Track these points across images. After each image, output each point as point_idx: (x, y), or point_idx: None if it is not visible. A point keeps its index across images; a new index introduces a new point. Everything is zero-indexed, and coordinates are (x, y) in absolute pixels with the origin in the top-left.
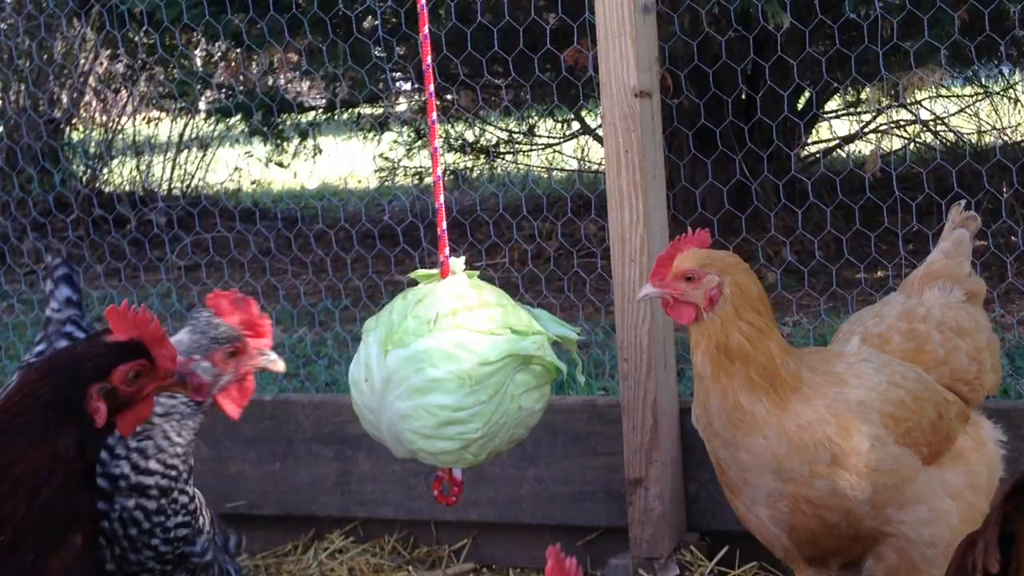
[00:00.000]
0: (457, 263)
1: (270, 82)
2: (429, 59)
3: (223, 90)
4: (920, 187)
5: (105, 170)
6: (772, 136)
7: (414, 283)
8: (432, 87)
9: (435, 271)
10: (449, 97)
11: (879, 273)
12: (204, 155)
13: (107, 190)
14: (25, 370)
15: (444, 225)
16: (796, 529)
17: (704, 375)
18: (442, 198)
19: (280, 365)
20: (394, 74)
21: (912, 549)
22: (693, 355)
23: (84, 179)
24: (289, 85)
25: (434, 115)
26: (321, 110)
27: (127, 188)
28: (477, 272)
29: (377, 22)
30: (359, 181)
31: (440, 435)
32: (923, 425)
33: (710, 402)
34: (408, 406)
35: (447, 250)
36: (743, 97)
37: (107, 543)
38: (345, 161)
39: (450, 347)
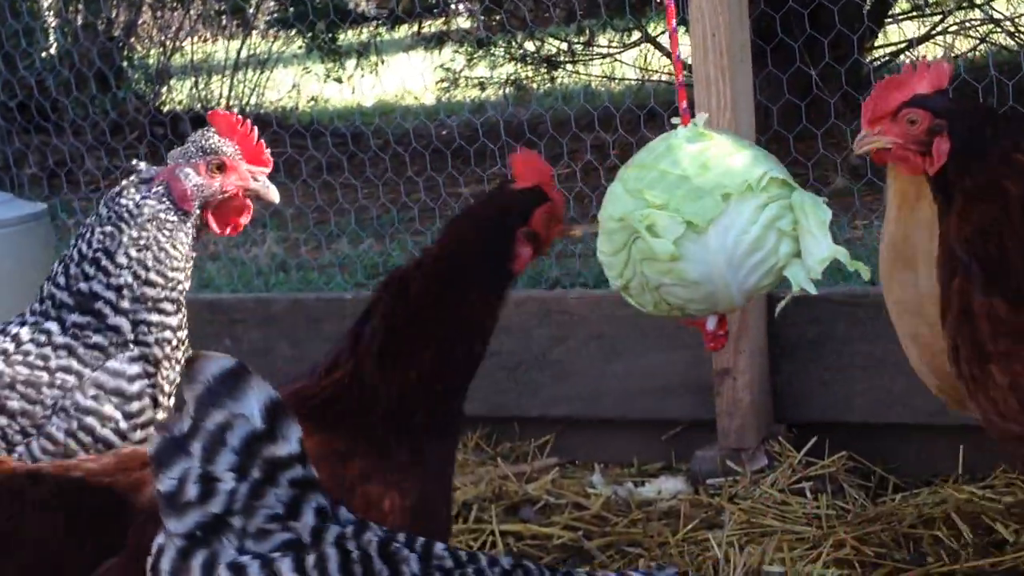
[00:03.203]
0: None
1: None
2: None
3: (284, 0)
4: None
5: (164, 89)
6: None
7: None
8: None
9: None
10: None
11: None
12: (262, 72)
13: (166, 108)
14: (451, 221)
15: (681, 77)
16: (938, 372)
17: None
18: (679, 50)
19: (273, 194)
20: None
21: None
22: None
23: (147, 95)
24: None
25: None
26: (380, 22)
27: (187, 106)
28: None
29: None
30: (416, 98)
31: None
32: None
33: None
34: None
35: (685, 103)
36: None
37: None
38: (405, 77)
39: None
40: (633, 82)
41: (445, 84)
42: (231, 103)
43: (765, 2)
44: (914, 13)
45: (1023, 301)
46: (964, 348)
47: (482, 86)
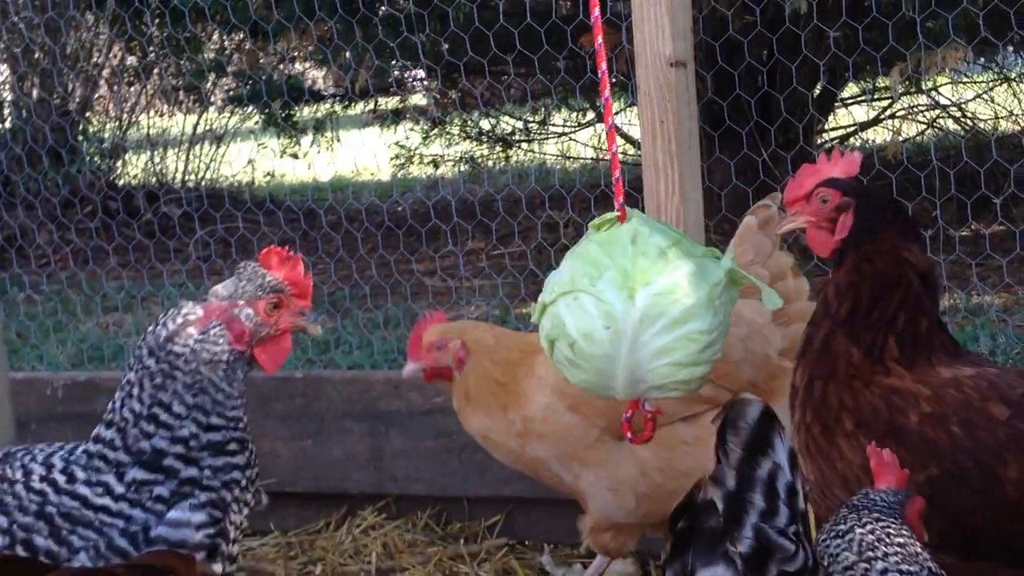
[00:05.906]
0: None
1: (286, 70)
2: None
3: (240, 78)
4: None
5: (119, 163)
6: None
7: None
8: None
9: (614, 214)
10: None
11: None
12: (218, 147)
13: (120, 183)
14: None
15: (618, 173)
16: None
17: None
18: (615, 146)
19: (318, 329)
20: (408, 63)
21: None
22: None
23: (101, 170)
24: (304, 73)
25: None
26: (336, 99)
27: (142, 181)
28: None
29: (392, 9)
30: (372, 174)
31: (700, 360)
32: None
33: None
34: (670, 339)
35: (622, 197)
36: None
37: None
38: (360, 154)
39: (688, 277)
40: (588, 161)
41: (400, 161)
42: (186, 177)
43: (713, 90)
44: (863, 98)
45: (875, 357)
46: (819, 385)
47: (435, 164)
